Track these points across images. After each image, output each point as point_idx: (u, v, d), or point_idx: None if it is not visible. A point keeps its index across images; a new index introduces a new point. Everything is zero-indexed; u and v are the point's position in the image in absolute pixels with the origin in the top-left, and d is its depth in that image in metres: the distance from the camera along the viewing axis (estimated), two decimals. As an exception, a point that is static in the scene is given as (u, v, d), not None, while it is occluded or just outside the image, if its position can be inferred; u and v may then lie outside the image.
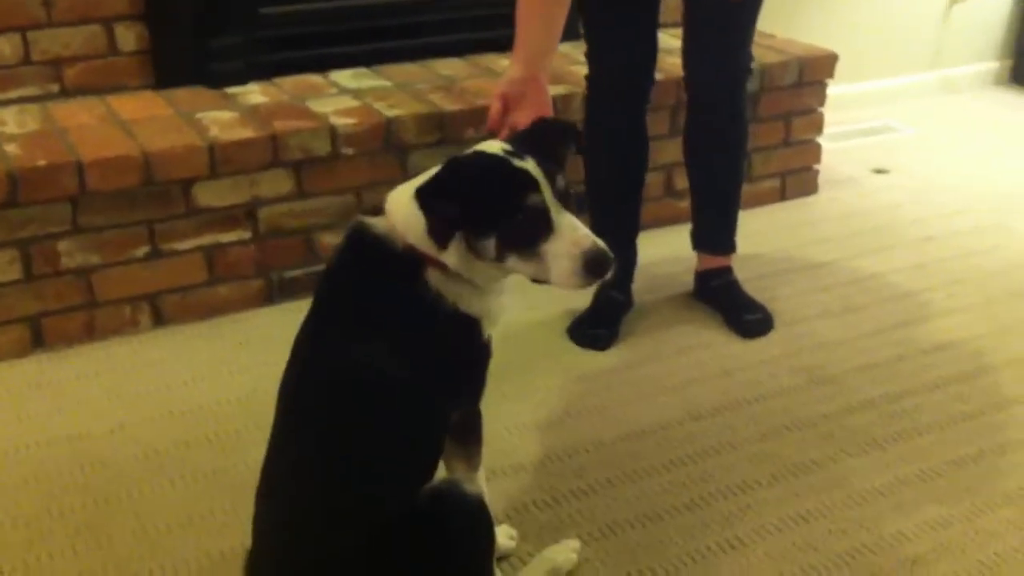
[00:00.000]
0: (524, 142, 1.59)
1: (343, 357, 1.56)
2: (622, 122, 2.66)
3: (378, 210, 1.60)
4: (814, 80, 3.48)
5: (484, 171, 1.52)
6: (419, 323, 1.58)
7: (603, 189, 2.72)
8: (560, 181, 1.54)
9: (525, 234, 1.51)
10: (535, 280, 1.56)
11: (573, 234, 1.51)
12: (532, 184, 1.50)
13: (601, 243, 1.51)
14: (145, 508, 2.09)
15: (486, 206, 1.51)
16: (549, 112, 2.11)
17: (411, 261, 1.56)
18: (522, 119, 2.06)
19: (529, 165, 1.52)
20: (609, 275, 1.53)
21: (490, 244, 1.52)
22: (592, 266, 1.51)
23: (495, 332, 1.67)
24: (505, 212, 1.50)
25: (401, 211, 1.57)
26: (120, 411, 2.42)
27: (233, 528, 2.00)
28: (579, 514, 2.08)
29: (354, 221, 1.62)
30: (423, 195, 1.52)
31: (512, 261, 1.53)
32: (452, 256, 1.54)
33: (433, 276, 1.56)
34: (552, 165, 1.55)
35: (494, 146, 1.57)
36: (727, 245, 2.85)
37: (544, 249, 1.51)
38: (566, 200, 1.54)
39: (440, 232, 1.50)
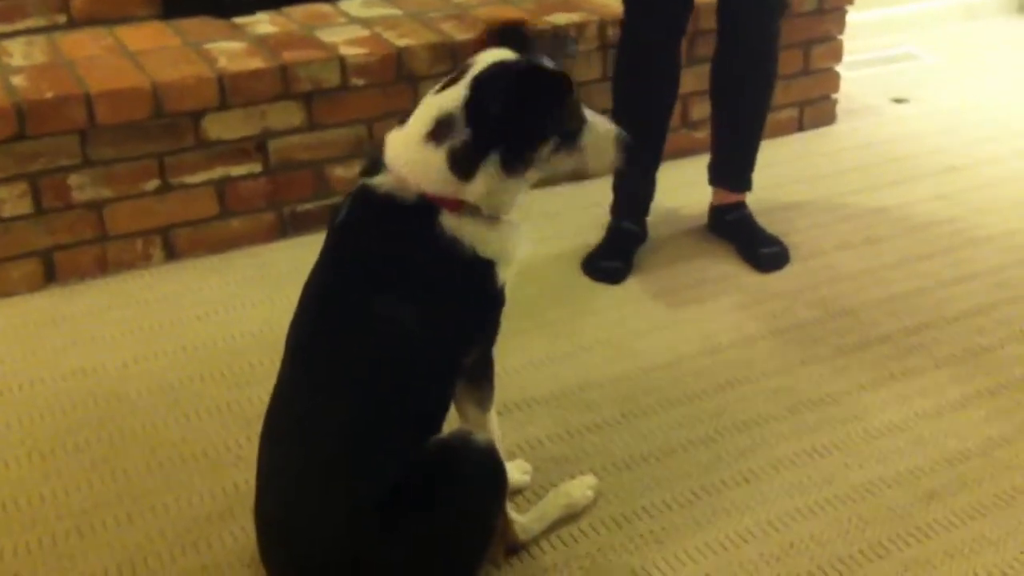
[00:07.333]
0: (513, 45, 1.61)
1: (358, 311, 1.55)
2: (656, 52, 2.60)
3: (376, 165, 1.58)
4: (834, 7, 3.41)
5: (535, 79, 1.54)
6: (436, 271, 1.56)
7: (629, 119, 2.65)
8: None
9: (570, 131, 1.59)
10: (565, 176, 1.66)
11: (600, 120, 1.64)
12: (567, 81, 1.56)
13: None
14: (159, 441, 2.10)
15: (549, 112, 1.55)
16: None
17: (424, 210, 1.54)
18: None
19: (552, 65, 1.59)
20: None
21: (546, 149, 1.56)
22: (623, 145, 1.64)
23: (511, 275, 1.65)
24: (560, 114, 1.57)
25: (410, 159, 1.54)
26: (133, 345, 2.42)
27: (247, 461, 1.99)
28: (593, 448, 2.07)
29: (357, 186, 1.59)
30: (499, 118, 1.50)
31: (557, 161, 1.60)
32: (479, 186, 1.53)
33: (448, 221, 1.55)
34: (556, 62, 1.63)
35: (500, 54, 1.57)
36: (744, 183, 2.80)
37: (583, 141, 1.61)
38: None
39: (470, 159, 1.51)
